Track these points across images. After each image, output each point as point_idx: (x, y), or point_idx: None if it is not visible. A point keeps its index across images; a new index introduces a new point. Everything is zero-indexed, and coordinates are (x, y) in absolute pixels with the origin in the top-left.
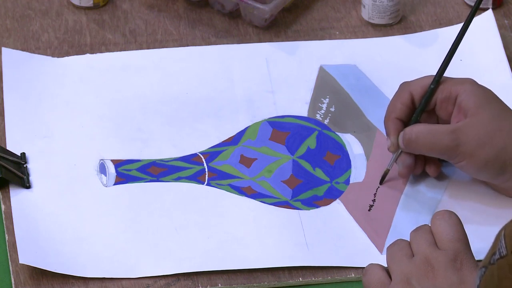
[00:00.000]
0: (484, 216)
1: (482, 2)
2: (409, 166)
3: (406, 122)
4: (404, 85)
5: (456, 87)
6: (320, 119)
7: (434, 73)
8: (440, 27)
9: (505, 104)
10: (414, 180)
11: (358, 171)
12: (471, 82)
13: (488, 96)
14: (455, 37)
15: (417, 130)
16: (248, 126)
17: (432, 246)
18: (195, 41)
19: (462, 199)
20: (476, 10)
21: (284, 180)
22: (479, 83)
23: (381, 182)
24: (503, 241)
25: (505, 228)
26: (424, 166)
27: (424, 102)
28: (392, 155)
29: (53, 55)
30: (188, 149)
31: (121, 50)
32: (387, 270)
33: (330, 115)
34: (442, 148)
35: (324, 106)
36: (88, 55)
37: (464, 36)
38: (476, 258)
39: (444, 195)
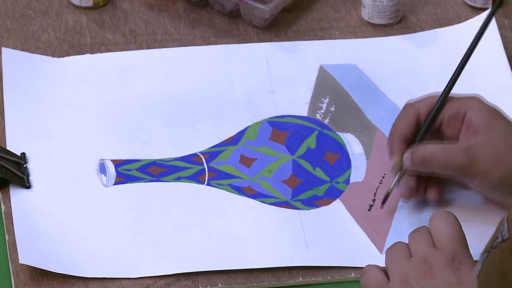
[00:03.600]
0: (485, 211)
1: (482, 2)
2: (412, 188)
3: (411, 141)
4: (410, 104)
5: (464, 104)
6: (320, 118)
7: (434, 73)
8: (440, 27)
9: None
10: None
11: (358, 171)
12: (479, 99)
13: (496, 113)
14: (454, 37)
15: (431, 148)
16: (248, 126)
17: (430, 246)
18: (195, 41)
19: (464, 193)
20: (483, 32)
21: (284, 180)
22: (479, 83)
23: (382, 204)
24: (505, 225)
25: (509, 212)
26: (425, 191)
27: (430, 121)
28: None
29: (53, 55)
30: (188, 149)
31: (121, 50)
32: (385, 271)
33: (330, 114)
34: (456, 166)
35: (324, 106)
36: (88, 55)
37: (464, 36)
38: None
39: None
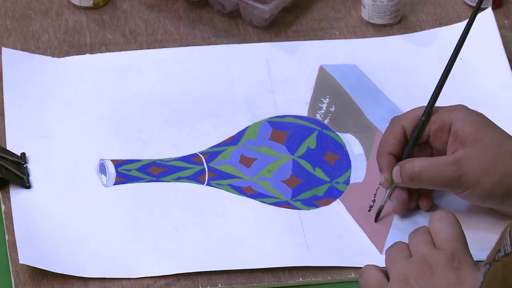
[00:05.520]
0: (484, 211)
1: (482, 2)
2: (404, 201)
3: (399, 156)
4: (395, 119)
5: (449, 116)
6: (320, 119)
7: (434, 72)
8: (440, 27)
9: (500, 128)
10: None
11: (358, 171)
12: (464, 109)
13: (483, 122)
14: (454, 36)
15: (419, 164)
16: (248, 126)
17: (430, 246)
18: (195, 41)
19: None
20: (467, 32)
21: (284, 180)
22: (479, 83)
23: (376, 220)
24: (508, 239)
25: (510, 225)
26: (417, 200)
27: (416, 135)
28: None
29: (53, 55)
30: (188, 149)
31: (121, 50)
32: (384, 271)
33: (330, 115)
34: (445, 181)
35: (324, 106)
36: (88, 55)
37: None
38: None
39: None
